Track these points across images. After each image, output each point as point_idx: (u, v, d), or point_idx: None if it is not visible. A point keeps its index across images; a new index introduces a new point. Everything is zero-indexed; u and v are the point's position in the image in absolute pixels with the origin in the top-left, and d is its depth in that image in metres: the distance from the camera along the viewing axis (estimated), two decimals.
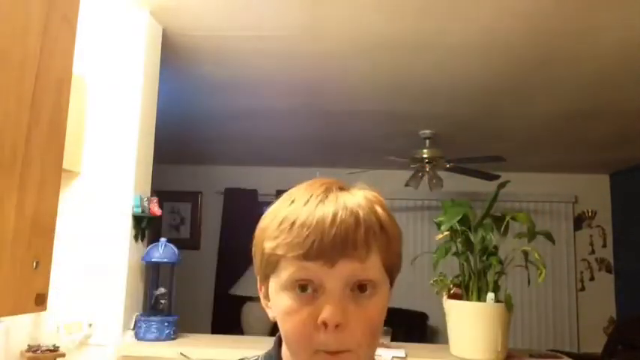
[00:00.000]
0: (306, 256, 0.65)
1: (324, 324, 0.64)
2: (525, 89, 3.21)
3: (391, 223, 0.71)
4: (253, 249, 0.74)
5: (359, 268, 0.66)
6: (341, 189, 0.71)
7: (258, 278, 0.75)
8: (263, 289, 0.75)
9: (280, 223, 0.68)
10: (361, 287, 0.67)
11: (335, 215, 0.66)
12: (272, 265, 0.70)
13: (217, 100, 3.63)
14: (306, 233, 0.66)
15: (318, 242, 0.65)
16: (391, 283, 0.73)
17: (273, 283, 0.70)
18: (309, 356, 0.67)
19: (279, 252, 0.67)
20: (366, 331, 0.67)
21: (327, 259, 0.65)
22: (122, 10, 2.32)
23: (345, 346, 0.65)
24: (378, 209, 0.71)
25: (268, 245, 0.69)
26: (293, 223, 0.67)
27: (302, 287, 0.67)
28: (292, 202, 0.70)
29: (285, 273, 0.68)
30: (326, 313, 0.64)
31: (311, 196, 0.69)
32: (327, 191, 0.70)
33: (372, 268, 0.68)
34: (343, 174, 4.64)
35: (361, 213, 0.68)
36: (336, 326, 0.64)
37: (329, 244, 0.65)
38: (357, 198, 0.70)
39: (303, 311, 0.66)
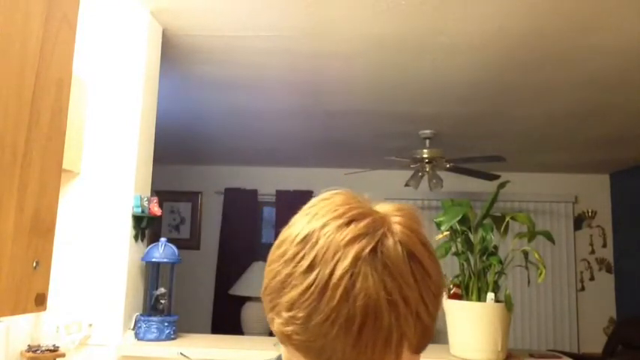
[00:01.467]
0: None
1: None
2: (525, 89, 3.21)
3: (430, 295, 0.57)
4: (262, 290, 0.62)
5: None
6: (373, 251, 0.56)
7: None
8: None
9: (293, 304, 0.56)
10: None
11: (363, 321, 0.53)
12: (283, 341, 0.60)
13: (217, 100, 3.63)
14: (325, 340, 0.54)
15: (340, 353, 0.54)
16: None
17: (284, 352, 0.62)
18: None
19: (292, 344, 0.57)
20: None
21: None
22: (122, 11, 2.33)
23: None
24: (414, 270, 0.57)
25: (278, 326, 0.58)
26: (309, 318, 0.54)
27: None
28: (310, 266, 0.55)
29: None
30: None
31: (334, 272, 0.54)
32: (356, 262, 0.54)
33: None
34: (342, 174, 4.65)
35: (392, 306, 0.54)
36: None
37: (352, 355, 0.54)
38: (394, 271, 0.55)
39: None
